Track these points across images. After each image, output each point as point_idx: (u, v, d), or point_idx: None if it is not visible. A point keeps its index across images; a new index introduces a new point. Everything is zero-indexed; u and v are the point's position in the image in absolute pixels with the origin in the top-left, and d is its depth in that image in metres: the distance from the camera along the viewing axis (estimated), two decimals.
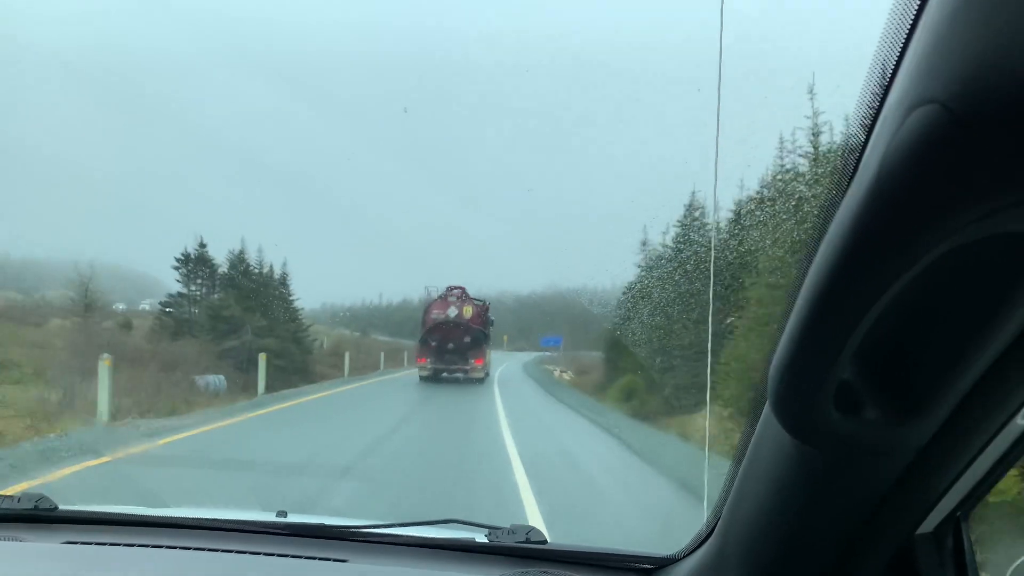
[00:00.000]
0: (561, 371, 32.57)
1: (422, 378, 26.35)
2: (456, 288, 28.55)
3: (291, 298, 30.11)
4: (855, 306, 0.73)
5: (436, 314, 27.80)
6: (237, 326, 25.48)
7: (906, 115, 0.59)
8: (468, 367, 26.57)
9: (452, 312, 27.75)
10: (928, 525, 1.08)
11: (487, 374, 27.36)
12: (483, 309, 28.91)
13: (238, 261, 28.51)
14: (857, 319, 0.73)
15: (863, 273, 0.70)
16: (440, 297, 28.58)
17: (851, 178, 0.70)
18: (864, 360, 0.82)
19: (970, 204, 0.59)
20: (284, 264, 29.83)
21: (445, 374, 26.55)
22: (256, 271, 29.10)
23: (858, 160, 0.69)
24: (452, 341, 26.76)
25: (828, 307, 0.75)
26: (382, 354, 35.98)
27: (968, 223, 0.60)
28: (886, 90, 0.64)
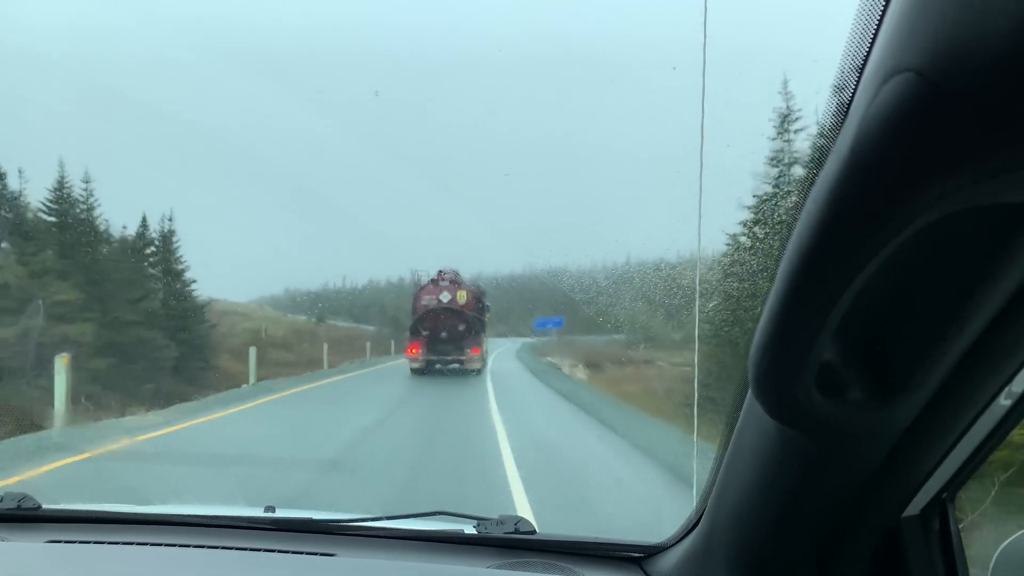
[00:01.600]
0: (572, 365, 26.76)
1: (413, 370, 24.15)
2: (448, 271, 25.86)
3: (180, 269, 23.00)
4: (833, 284, 0.71)
5: (427, 300, 25.30)
6: (17, 302, 15.31)
7: (881, 84, 0.57)
8: (464, 357, 24.27)
9: (444, 297, 25.21)
10: (914, 508, 1.07)
11: (484, 364, 25.18)
12: (478, 294, 26.72)
13: (57, 200, 18.71)
14: (835, 297, 0.72)
15: (840, 249, 0.69)
16: (431, 281, 25.86)
17: (829, 152, 0.68)
18: (845, 341, 0.81)
19: (948, 175, 0.58)
20: (168, 219, 22.08)
21: (439, 365, 24.28)
22: (82, 209, 19.25)
23: (837, 133, 0.67)
24: (445, 329, 24.44)
25: (806, 286, 0.73)
26: (325, 346, 29.28)
27: (946, 194, 0.59)
28: (864, 60, 0.62)
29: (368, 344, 33.05)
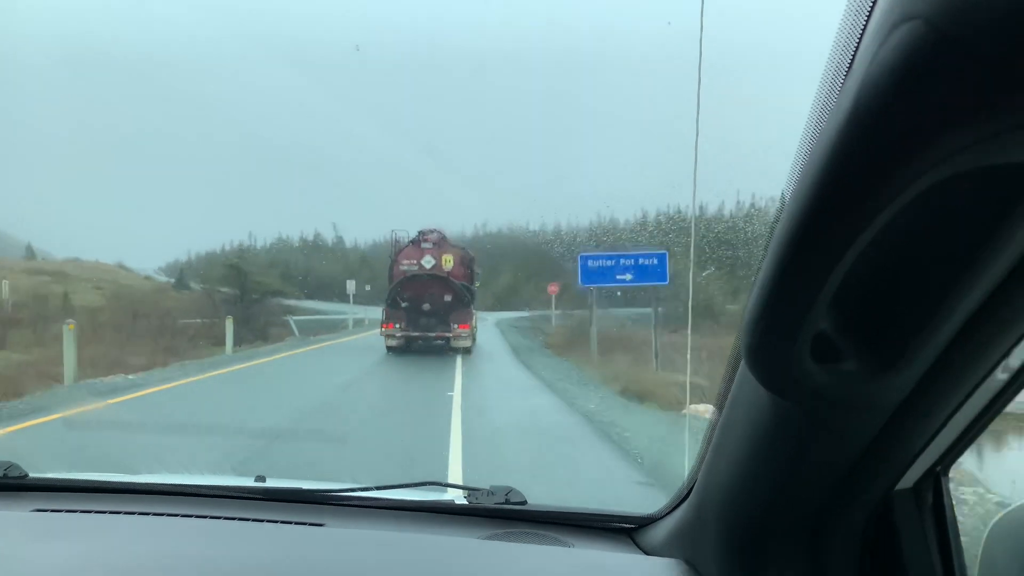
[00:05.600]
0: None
1: (390, 348, 20.41)
2: (432, 231, 21.67)
3: None
4: (832, 248, 0.68)
5: (407, 265, 21.08)
6: None
7: (888, 33, 0.54)
8: (450, 333, 20.37)
9: (427, 262, 21.00)
10: (908, 480, 1.06)
11: (474, 342, 21.37)
12: (467, 258, 22.46)
13: None
14: (834, 262, 0.69)
15: (840, 210, 0.65)
16: (411, 243, 21.55)
17: (829, 107, 0.65)
18: (841, 309, 0.78)
19: (956, 130, 0.54)
20: None
21: (420, 342, 20.64)
22: None
23: (839, 87, 0.64)
24: (428, 300, 20.57)
25: (804, 249, 0.70)
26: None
27: (953, 152, 0.56)
28: (871, 8, 0.58)
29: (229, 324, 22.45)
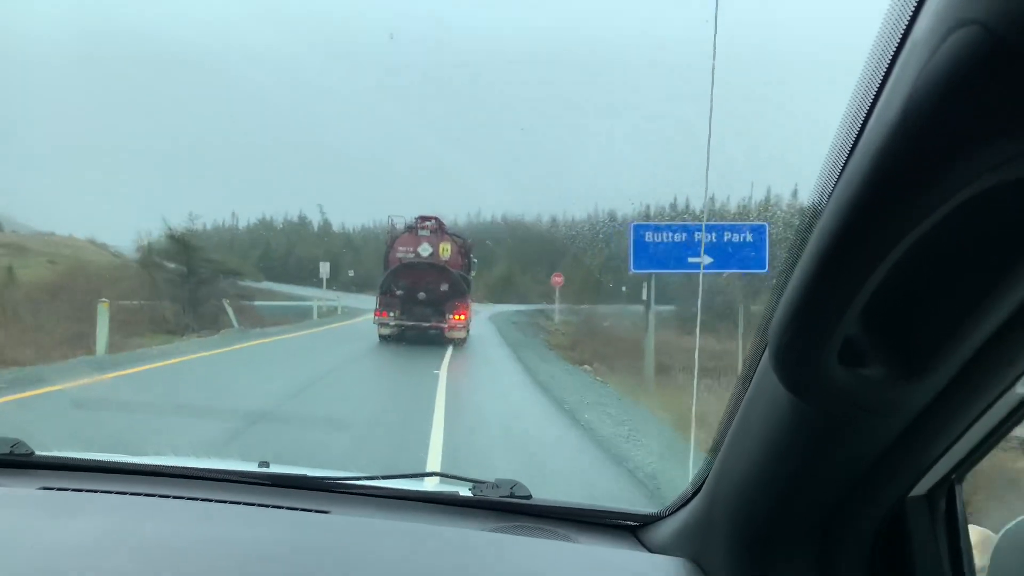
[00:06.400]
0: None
1: (382, 337, 19.84)
2: (429, 218, 21.15)
3: None
4: (871, 254, 0.68)
5: (403, 252, 20.59)
6: None
7: (942, 40, 0.53)
8: (444, 324, 19.87)
9: (424, 250, 20.52)
10: (921, 488, 1.06)
11: (468, 333, 20.70)
12: (465, 247, 22.12)
13: None
14: (871, 269, 0.69)
15: (882, 218, 0.65)
16: (407, 230, 21.08)
17: (869, 113, 0.64)
18: (871, 314, 0.78)
19: (1006, 140, 0.54)
20: None
21: (414, 332, 20.07)
22: None
23: (877, 94, 0.64)
24: (424, 289, 20.07)
25: (842, 255, 0.70)
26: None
27: (1001, 163, 0.56)
28: (915, 12, 0.58)
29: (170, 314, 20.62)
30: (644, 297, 13.09)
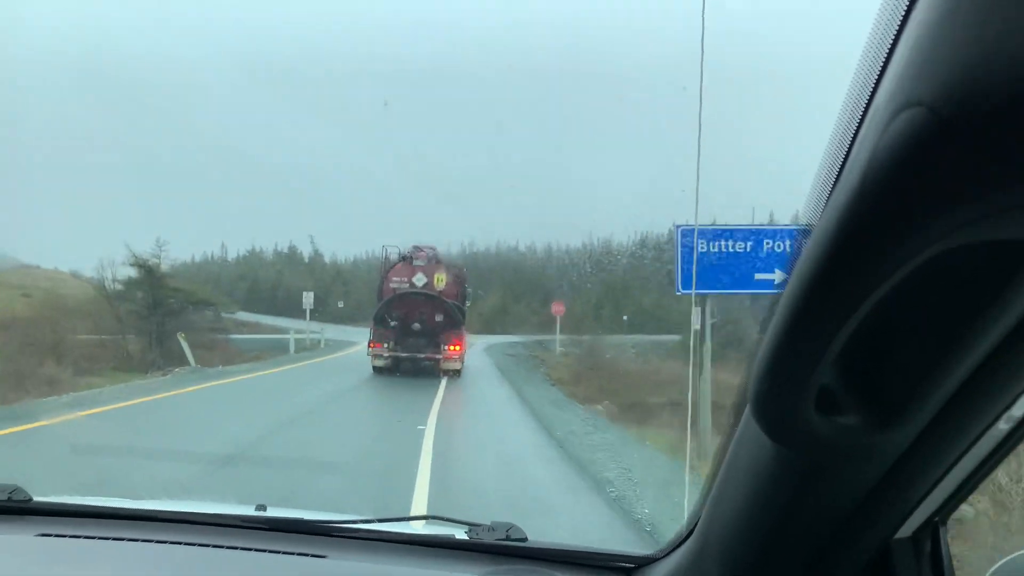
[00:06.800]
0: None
1: (376, 369, 19.59)
2: (425, 248, 21.08)
3: None
4: (839, 311, 0.72)
5: (397, 282, 20.36)
6: None
7: (892, 117, 0.57)
8: (439, 355, 19.49)
9: (419, 280, 20.25)
10: (906, 530, 1.08)
11: (463, 364, 20.20)
12: (460, 277, 21.90)
13: None
14: (840, 324, 0.72)
15: (848, 278, 0.69)
16: (402, 259, 20.78)
17: (836, 181, 0.68)
18: (846, 364, 0.81)
19: (957, 209, 0.58)
20: None
21: (408, 363, 19.60)
22: None
23: (843, 163, 0.68)
24: (419, 320, 19.82)
25: (811, 310, 0.74)
26: None
27: (954, 229, 0.59)
28: (873, 91, 0.62)
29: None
30: (696, 325, 8.89)
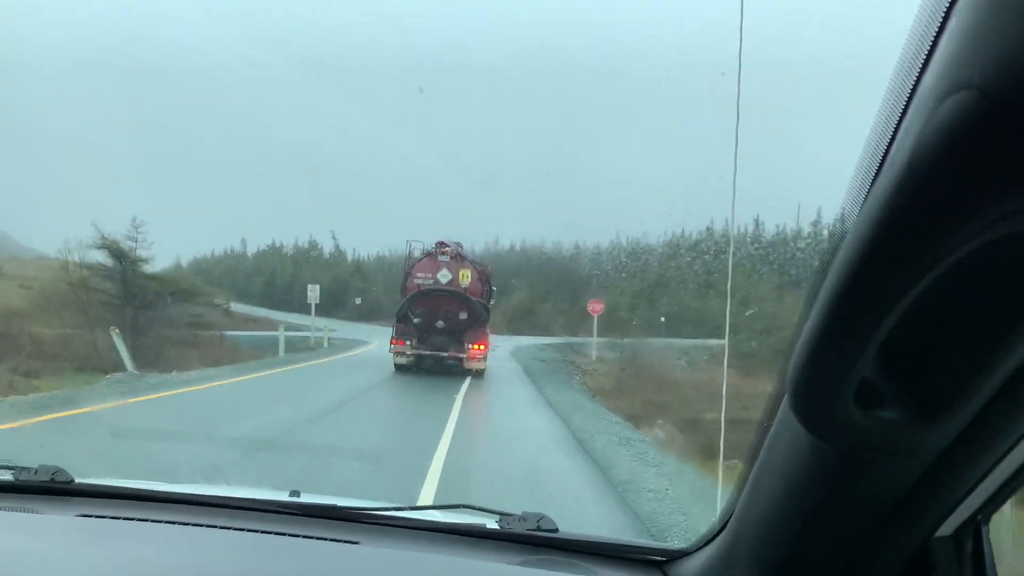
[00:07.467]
0: None
1: (398, 366, 19.05)
2: (450, 243, 20.38)
3: None
4: (882, 301, 0.70)
5: (421, 278, 19.68)
6: None
7: (940, 101, 0.56)
8: (462, 354, 18.94)
9: (444, 277, 19.59)
10: (947, 528, 1.06)
11: (486, 364, 19.48)
12: (485, 274, 21.12)
13: None
14: (884, 315, 0.71)
15: (892, 267, 0.67)
16: (427, 255, 20.16)
17: (879, 168, 0.67)
18: (888, 358, 0.80)
19: (1006, 196, 0.57)
20: None
21: (431, 361, 19.14)
22: None
23: (887, 150, 0.66)
24: (443, 317, 19.29)
25: (854, 301, 0.72)
26: None
27: (1004, 217, 0.58)
28: (919, 76, 0.61)
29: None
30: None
